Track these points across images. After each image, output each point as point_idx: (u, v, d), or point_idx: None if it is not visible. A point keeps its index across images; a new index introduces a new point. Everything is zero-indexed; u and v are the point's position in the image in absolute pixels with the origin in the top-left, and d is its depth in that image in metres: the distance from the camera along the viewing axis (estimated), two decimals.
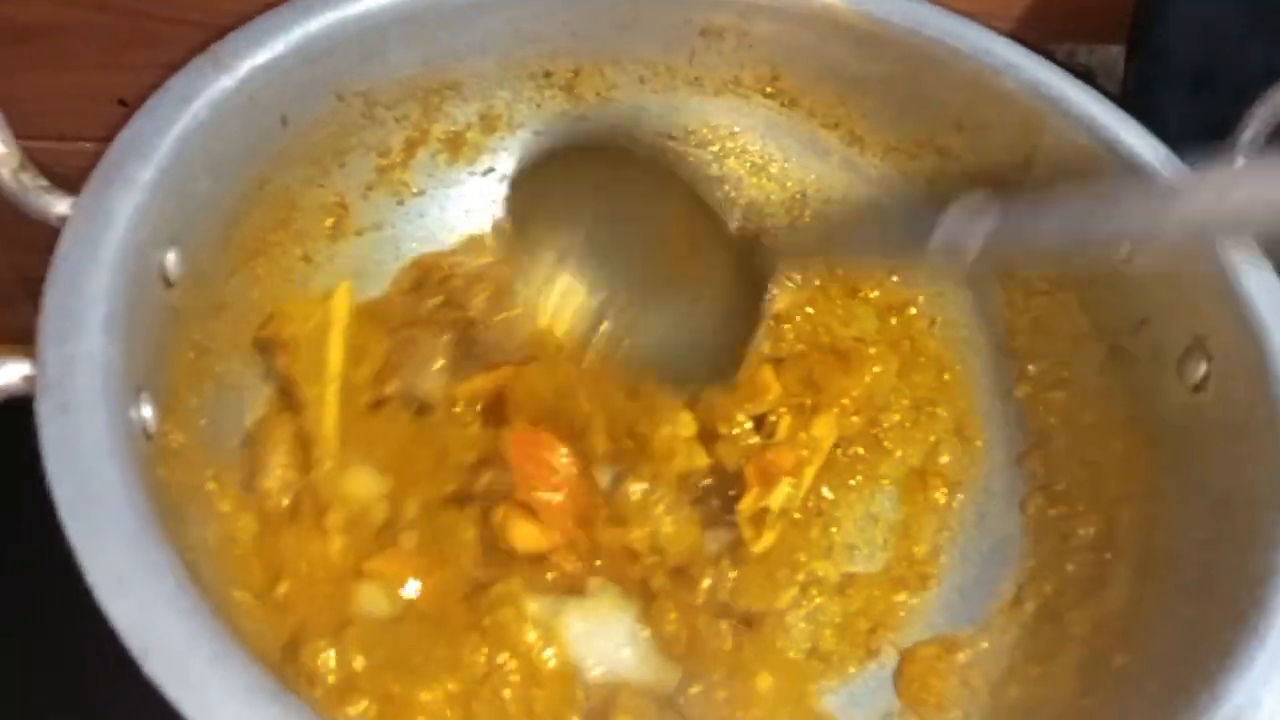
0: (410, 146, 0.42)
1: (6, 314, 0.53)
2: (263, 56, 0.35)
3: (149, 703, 0.23)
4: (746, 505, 0.38)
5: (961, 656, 0.38)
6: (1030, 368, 0.42)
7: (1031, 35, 0.43)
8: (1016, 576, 0.39)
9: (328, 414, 0.37)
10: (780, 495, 0.38)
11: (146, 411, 0.29)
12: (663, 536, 0.37)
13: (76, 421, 0.26)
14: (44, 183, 0.30)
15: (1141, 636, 0.33)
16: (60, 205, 0.30)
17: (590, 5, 0.41)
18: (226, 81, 0.34)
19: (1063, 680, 0.35)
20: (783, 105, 0.45)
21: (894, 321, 0.44)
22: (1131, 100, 0.42)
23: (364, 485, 0.37)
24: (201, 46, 0.36)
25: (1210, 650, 0.28)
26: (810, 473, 0.39)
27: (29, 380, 0.27)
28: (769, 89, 0.45)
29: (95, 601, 0.24)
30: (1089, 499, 0.38)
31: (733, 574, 0.37)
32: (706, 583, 0.37)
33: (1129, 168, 0.37)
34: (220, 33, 0.36)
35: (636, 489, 0.37)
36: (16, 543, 0.37)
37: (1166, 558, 0.34)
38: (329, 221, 0.41)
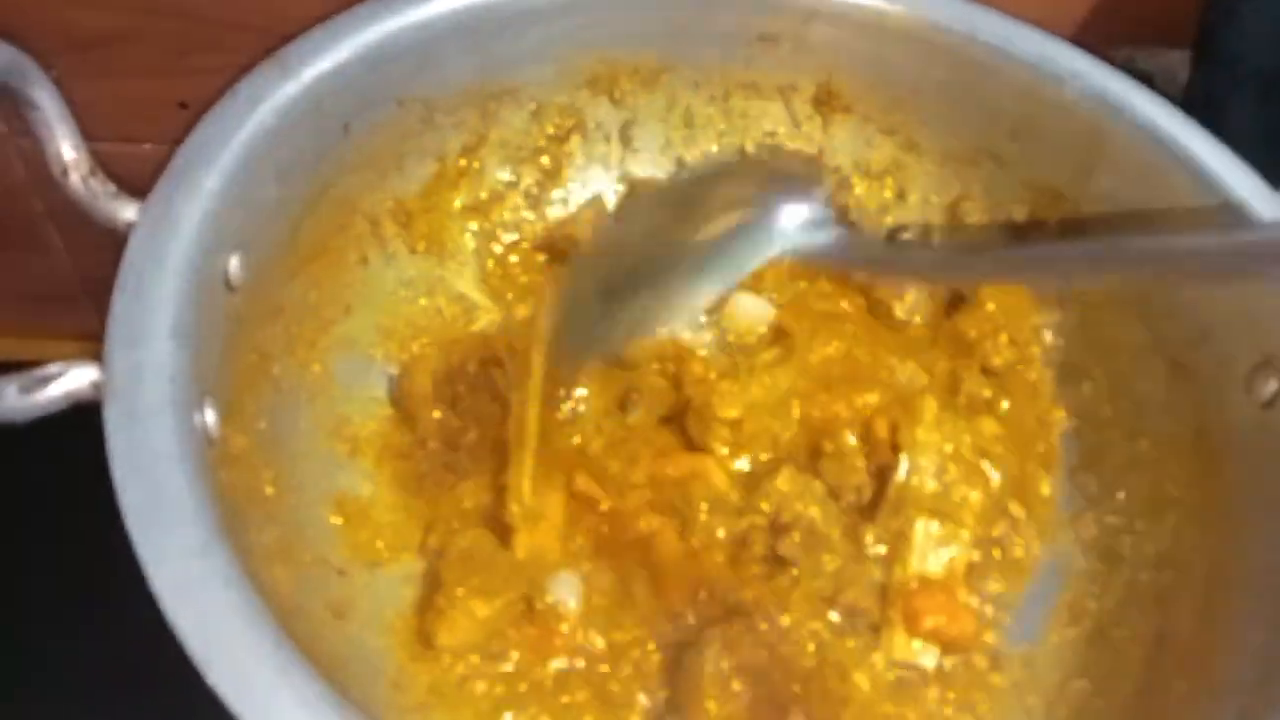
0: (467, 152, 0.42)
1: (70, 315, 0.54)
2: (327, 63, 0.35)
3: (212, 712, 0.23)
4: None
5: (1015, 674, 0.37)
6: (1086, 382, 0.41)
7: (1091, 39, 0.42)
8: (1071, 594, 0.38)
9: (529, 424, 0.38)
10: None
11: (210, 417, 0.29)
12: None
13: (144, 428, 0.26)
14: (113, 188, 0.31)
15: (1206, 662, 0.32)
16: (128, 211, 0.30)
17: (648, 11, 0.41)
18: (292, 88, 0.34)
19: (1118, 704, 0.34)
20: (837, 111, 0.45)
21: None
22: (1195, 106, 0.41)
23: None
24: (261, 51, 0.36)
25: None
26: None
27: (96, 386, 0.27)
28: (823, 95, 0.44)
29: (159, 609, 0.24)
30: (1150, 516, 0.37)
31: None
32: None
33: (1198, 180, 0.36)
34: (280, 38, 0.37)
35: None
36: (80, 545, 0.38)
37: (1235, 580, 0.33)
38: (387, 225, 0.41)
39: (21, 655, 0.43)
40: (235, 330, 0.33)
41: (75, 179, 0.31)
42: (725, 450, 0.39)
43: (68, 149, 0.31)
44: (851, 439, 0.39)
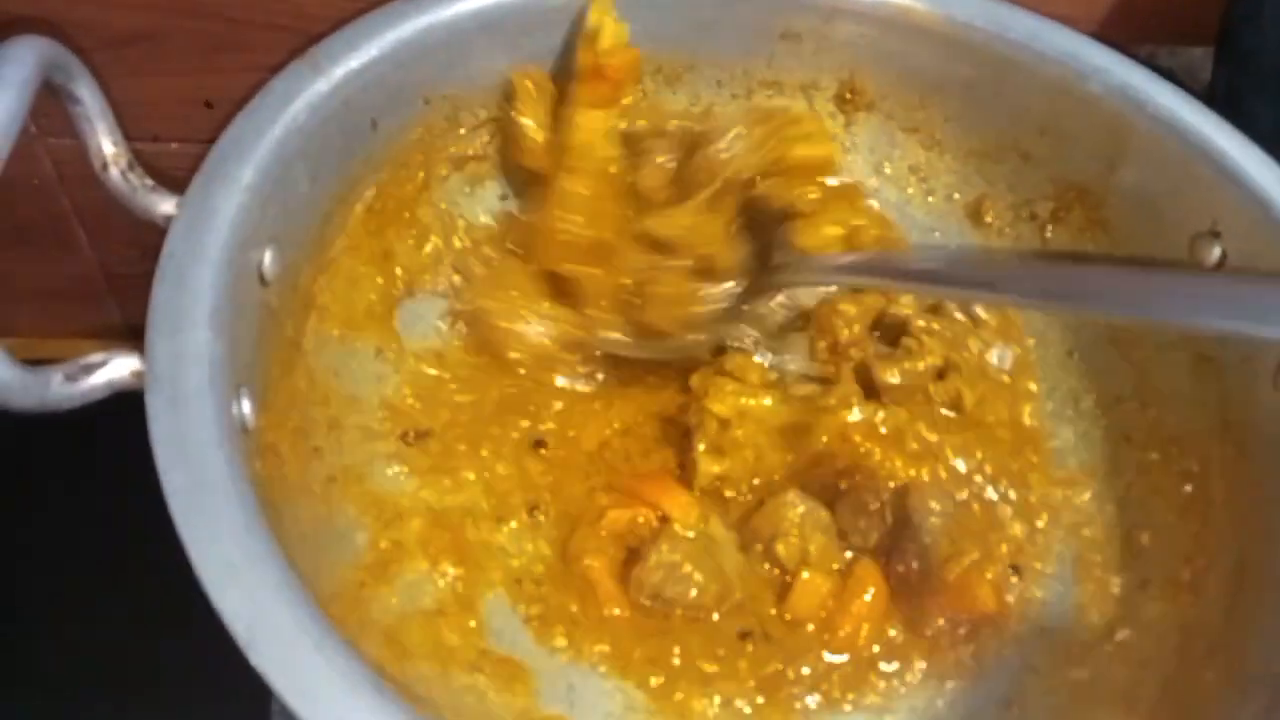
0: (491, 150, 0.42)
1: (94, 313, 0.55)
2: (356, 61, 0.35)
3: (250, 690, 0.24)
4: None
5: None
6: (1112, 379, 0.41)
7: (1114, 37, 0.42)
8: (1098, 589, 0.38)
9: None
10: None
11: (245, 407, 0.30)
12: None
13: (186, 414, 0.26)
14: (150, 182, 0.31)
15: (1234, 653, 0.32)
16: (166, 204, 0.31)
17: (673, 9, 0.41)
18: (323, 85, 0.34)
19: (1147, 695, 0.34)
20: (859, 109, 0.45)
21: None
22: (1218, 104, 0.41)
23: None
24: (287, 51, 0.36)
25: None
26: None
27: (138, 375, 0.27)
28: (846, 93, 0.45)
29: (198, 589, 0.24)
30: (1178, 510, 0.37)
31: None
32: None
33: (1222, 172, 0.36)
34: (308, 37, 0.37)
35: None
36: (117, 528, 0.38)
37: (1263, 570, 0.33)
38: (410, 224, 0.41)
39: (22, 655, 0.43)
40: (268, 323, 0.33)
41: (115, 173, 0.31)
42: (702, 446, 0.38)
43: (108, 144, 0.31)
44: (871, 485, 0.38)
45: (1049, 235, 0.43)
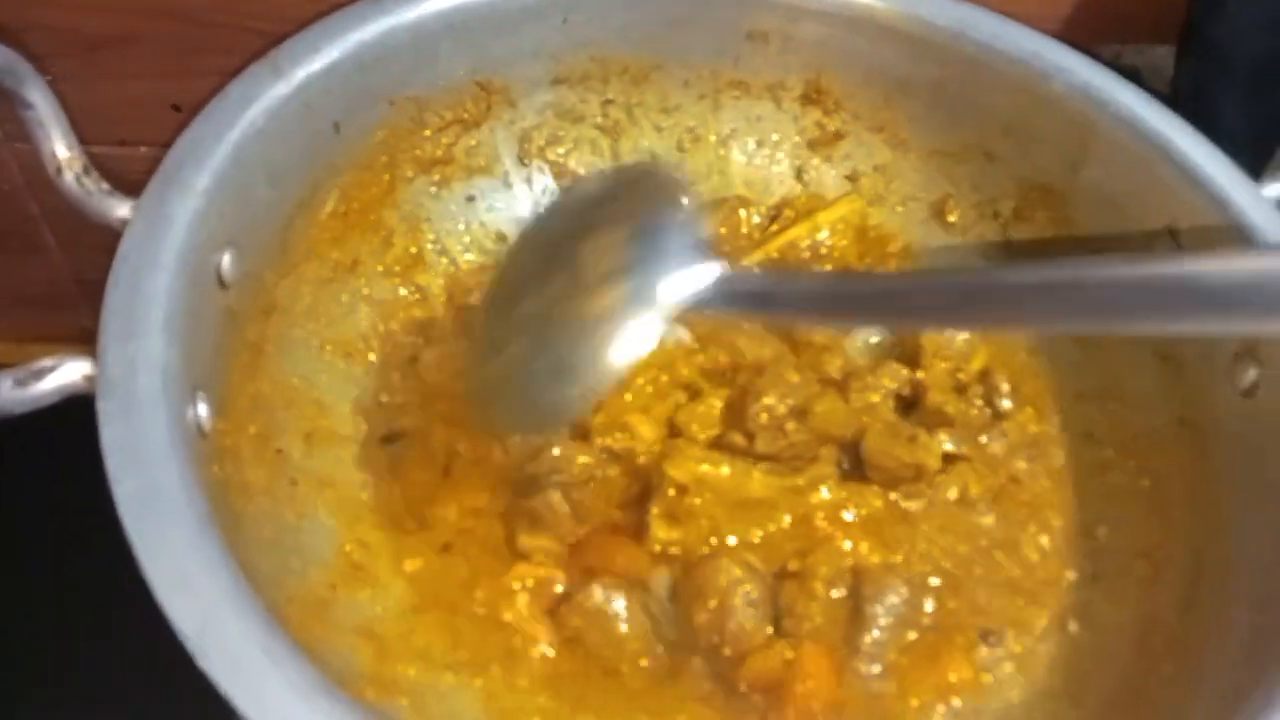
0: (458, 152, 0.42)
1: (65, 317, 0.55)
2: (318, 63, 0.35)
3: (201, 700, 0.24)
4: None
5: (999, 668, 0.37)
6: (1073, 373, 0.41)
7: (1079, 36, 0.42)
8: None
9: None
10: None
11: (202, 411, 0.30)
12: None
13: (138, 420, 0.26)
14: (106, 186, 0.31)
15: (1192, 644, 0.32)
16: (121, 209, 0.31)
17: (639, 9, 0.41)
18: (282, 88, 0.34)
19: (1107, 687, 0.34)
20: (825, 111, 0.45)
21: None
22: (1182, 101, 0.41)
23: None
24: (258, 53, 0.36)
25: (1270, 661, 0.28)
26: None
27: (90, 380, 0.27)
28: (812, 93, 0.45)
29: (151, 598, 0.24)
30: (1136, 506, 0.37)
31: None
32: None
33: (1183, 172, 0.37)
34: (277, 39, 0.37)
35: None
36: (70, 538, 0.38)
37: (1219, 563, 0.33)
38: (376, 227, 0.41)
39: (20, 656, 0.43)
40: (228, 327, 0.33)
41: (69, 178, 0.31)
42: (656, 510, 0.36)
43: (61, 148, 0.31)
44: (823, 570, 0.35)
45: (1012, 235, 0.43)
